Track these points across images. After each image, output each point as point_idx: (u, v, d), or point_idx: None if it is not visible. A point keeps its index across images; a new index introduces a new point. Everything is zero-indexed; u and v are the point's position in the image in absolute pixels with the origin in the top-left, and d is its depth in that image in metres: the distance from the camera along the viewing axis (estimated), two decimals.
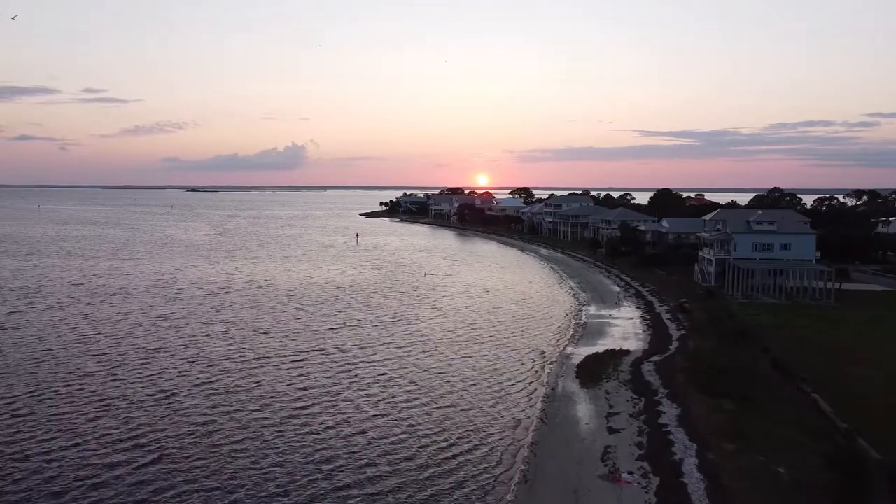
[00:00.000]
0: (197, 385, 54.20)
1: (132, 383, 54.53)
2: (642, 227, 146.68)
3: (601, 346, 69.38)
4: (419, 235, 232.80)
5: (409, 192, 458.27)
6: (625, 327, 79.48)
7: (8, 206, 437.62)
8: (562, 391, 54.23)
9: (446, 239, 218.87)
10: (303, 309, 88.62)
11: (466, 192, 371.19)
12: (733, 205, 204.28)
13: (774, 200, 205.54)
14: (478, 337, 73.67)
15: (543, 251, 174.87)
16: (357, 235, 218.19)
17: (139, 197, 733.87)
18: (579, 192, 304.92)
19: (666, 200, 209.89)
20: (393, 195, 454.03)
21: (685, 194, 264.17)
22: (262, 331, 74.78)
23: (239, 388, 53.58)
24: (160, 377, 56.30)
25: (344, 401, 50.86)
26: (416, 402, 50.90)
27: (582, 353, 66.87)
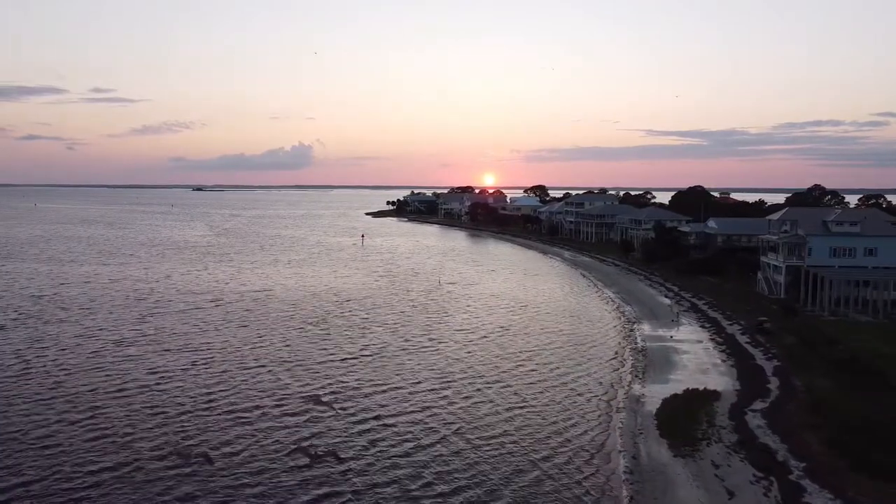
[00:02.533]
0: (155, 456, 39.29)
1: (65, 452, 39.71)
2: (685, 229, 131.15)
3: (676, 384, 54.46)
4: (430, 237, 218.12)
5: (416, 191, 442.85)
6: (696, 354, 64.41)
7: (4, 206, 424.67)
8: (648, 461, 39.32)
9: (459, 240, 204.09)
10: (306, 329, 73.82)
11: (476, 191, 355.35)
12: (760, 204, 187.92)
13: (815, 199, 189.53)
14: (525, 372, 58.37)
15: (567, 254, 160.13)
16: (363, 236, 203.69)
17: (142, 196, 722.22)
18: (596, 191, 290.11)
19: (691, 200, 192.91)
20: (399, 195, 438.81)
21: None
22: (253, 362, 59.93)
23: (215, 458, 38.81)
24: (105, 441, 41.40)
25: (362, 489, 35.94)
26: (464, 495, 36.02)
27: (655, 393, 51.98)
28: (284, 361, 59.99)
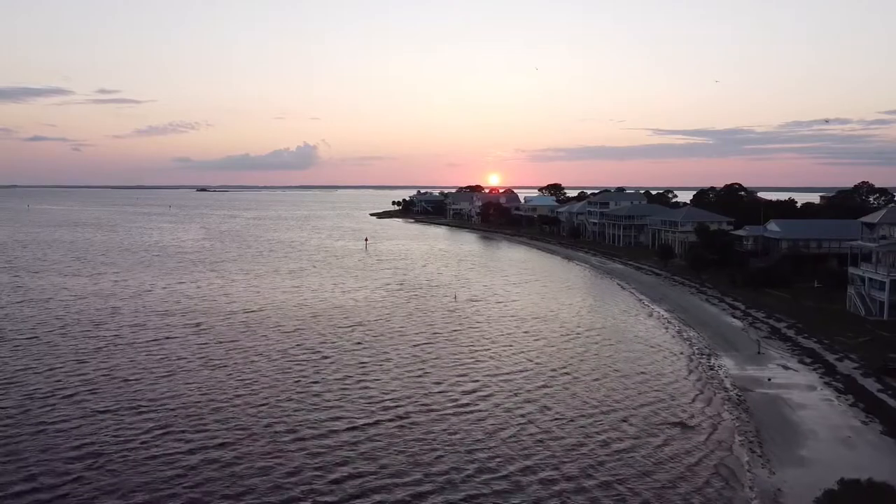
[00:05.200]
0: None
1: None
2: (741, 233, 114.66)
3: (817, 467, 38.37)
4: (440, 240, 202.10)
5: (423, 190, 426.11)
6: (819, 410, 48.18)
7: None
8: None
9: (472, 244, 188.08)
10: (300, 375, 56.91)
11: (486, 190, 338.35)
12: (790, 203, 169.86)
13: (862, 199, 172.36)
14: (613, 453, 41.16)
15: (594, 260, 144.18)
16: (366, 240, 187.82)
17: (144, 197, 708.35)
18: (612, 190, 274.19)
19: (724, 199, 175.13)
20: (404, 194, 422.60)
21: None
22: (219, 436, 43.75)
23: None
24: None
25: None
26: None
27: (794, 486, 36.03)
28: (266, 434, 43.61)
